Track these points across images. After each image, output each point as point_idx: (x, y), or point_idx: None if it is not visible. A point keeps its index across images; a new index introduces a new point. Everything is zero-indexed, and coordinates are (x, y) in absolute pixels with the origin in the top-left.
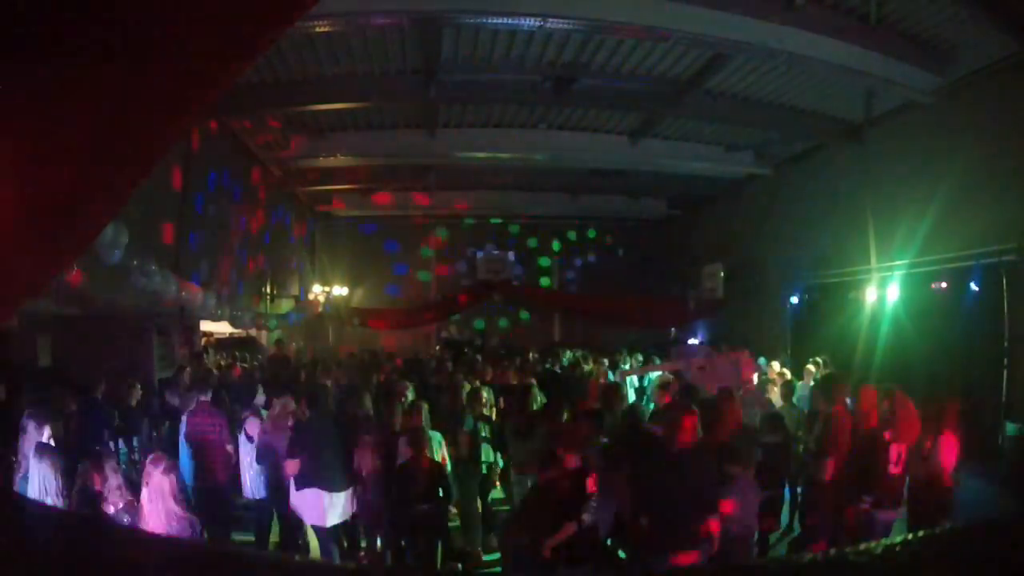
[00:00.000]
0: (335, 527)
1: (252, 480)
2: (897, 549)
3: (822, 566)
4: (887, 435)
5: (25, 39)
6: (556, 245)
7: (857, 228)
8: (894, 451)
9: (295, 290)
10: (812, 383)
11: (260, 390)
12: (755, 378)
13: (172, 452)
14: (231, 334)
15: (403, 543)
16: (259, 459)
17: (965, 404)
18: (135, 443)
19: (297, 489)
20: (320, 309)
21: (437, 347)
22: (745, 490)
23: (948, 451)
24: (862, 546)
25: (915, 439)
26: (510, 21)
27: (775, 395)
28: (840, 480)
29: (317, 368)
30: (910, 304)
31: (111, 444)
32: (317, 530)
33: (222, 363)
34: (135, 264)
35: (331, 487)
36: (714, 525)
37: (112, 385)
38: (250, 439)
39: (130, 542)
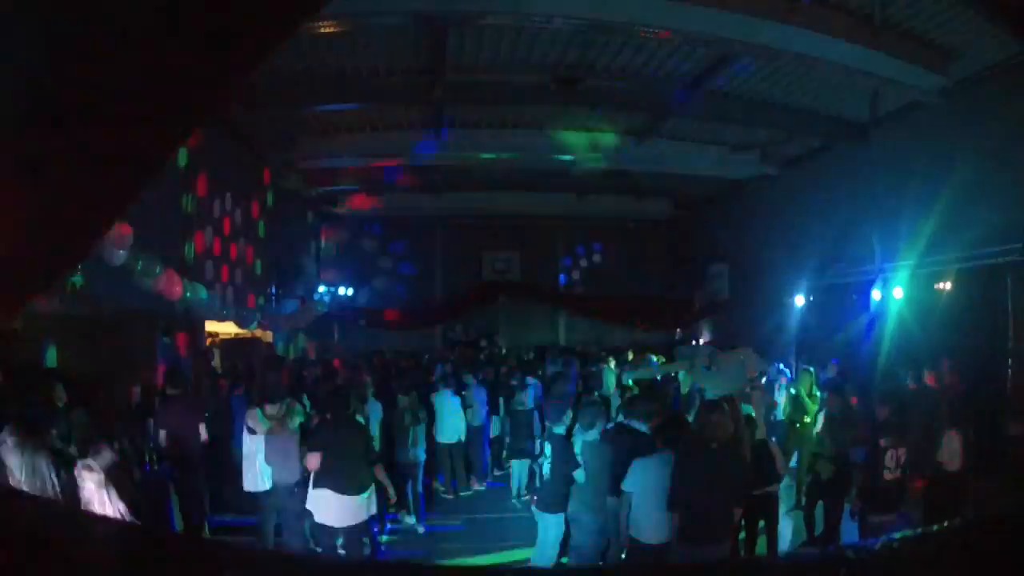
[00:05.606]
0: (347, 528)
1: (256, 474)
2: (896, 546)
3: (824, 562)
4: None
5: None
6: (561, 245)
7: (862, 228)
8: (891, 457)
9: (300, 290)
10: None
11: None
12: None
13: None
14: (236, 334)
15: None
16: (269, 457)
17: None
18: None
19: (314, 487)
20: (325, 309)
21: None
22: None
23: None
24: (862, 543)
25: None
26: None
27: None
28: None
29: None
30: (915, 304)
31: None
32: (325, 529)
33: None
34: (140, 265)
35: (342, 490)
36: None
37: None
38: (252, 431)
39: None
